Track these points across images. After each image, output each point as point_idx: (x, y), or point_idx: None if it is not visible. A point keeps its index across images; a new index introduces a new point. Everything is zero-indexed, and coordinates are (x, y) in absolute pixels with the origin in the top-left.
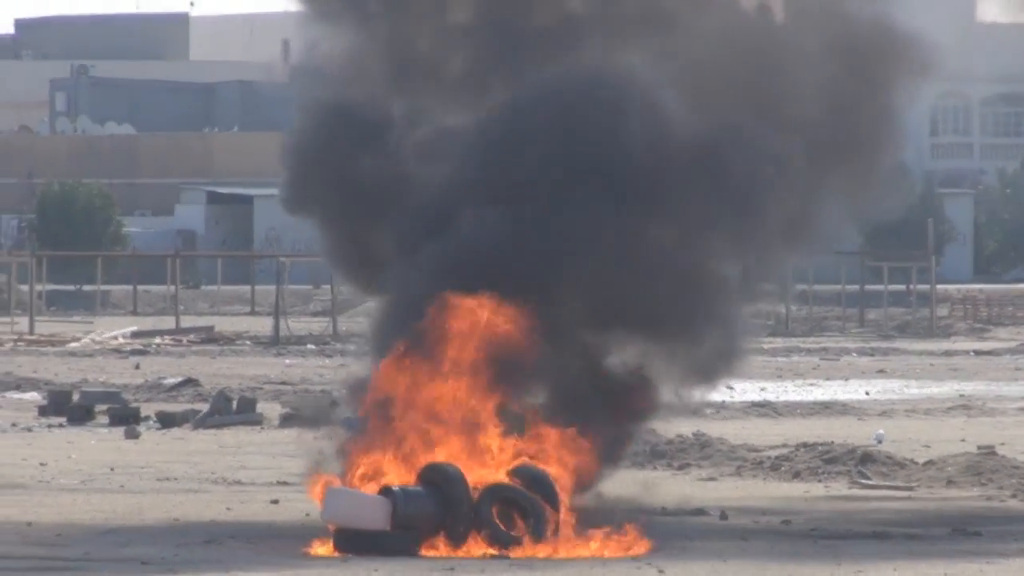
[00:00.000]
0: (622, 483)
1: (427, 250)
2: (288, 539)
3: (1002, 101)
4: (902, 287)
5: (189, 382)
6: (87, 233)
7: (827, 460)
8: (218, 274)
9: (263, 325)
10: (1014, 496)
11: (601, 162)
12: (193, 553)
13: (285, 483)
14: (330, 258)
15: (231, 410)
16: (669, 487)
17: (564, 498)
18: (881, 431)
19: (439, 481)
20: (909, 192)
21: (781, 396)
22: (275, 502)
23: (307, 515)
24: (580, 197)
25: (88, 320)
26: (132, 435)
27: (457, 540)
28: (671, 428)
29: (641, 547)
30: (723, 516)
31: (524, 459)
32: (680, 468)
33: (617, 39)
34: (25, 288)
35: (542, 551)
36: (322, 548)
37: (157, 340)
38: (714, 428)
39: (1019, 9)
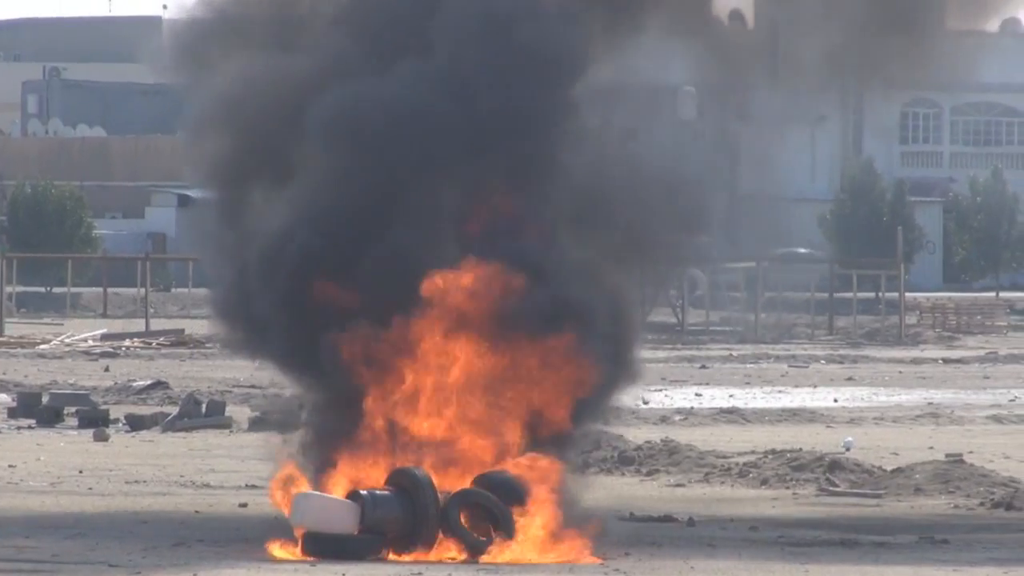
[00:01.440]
0: (589, 488)
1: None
2: (256, 542)
3: (972, 110)
4: (871, 295)
5: (158, 385)
6: (58, 235)
7: (795, 467)
8: (188, 277)
9: None
10: (981, 504)
11: None
12: (161, 556)
13: (254, 486)
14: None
15: (200, 413)
16: (637, 493)
17: (541, 500)
18: (849, 438)
19: (408, 485)
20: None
21: (749, 403)
22: (243, 505)
23: (275, 519)
24: None
25: (58, 322)
26: (101, 437)
27: (425, 544)
28: (639, 434)
29: (607, 553)
30: (690, 522)
31: (493, 465)
32: (648, 474)
33: None
34: None
35: (510, 555)
36: (290, 552)
37: (127, 343)
38: (682, 434)
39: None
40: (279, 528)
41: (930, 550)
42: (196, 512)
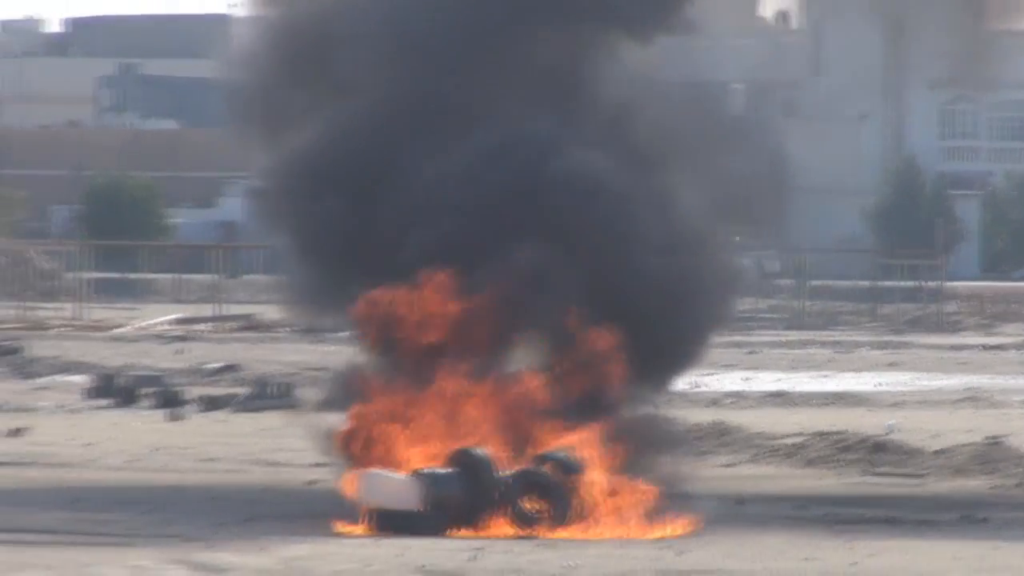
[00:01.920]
0: (646, 469)
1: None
2: (323, 518)
3: (1010, 106)
4: (913, 283)
5: (230, 367)
6: (133, 223)
7: (840, 448)
8: (258, 264)
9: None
10: (1019, 485)
11: None
12: (232, 531)
13: (321, 465)
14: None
15: (270, 394)
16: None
17: (598, 481)
18: (892, 421)
19: (469, 464)
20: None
21: (796, 387)
22: (311, 483)
23: (342, 496)
24: None
25: (133, 307)
26: (175, 417)
27: (485, 521)
28: (691, 416)
29: (663, 529)
30: (740, 501)
31: (555, 444)
32: (699, 454)
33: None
34: (73, 275)
35: (569, 532)
36: (356, 527)
37: (199, 327)
38: (732, 416)
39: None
40: (346, 505)
41: (970, 528)
42: (265, 489)
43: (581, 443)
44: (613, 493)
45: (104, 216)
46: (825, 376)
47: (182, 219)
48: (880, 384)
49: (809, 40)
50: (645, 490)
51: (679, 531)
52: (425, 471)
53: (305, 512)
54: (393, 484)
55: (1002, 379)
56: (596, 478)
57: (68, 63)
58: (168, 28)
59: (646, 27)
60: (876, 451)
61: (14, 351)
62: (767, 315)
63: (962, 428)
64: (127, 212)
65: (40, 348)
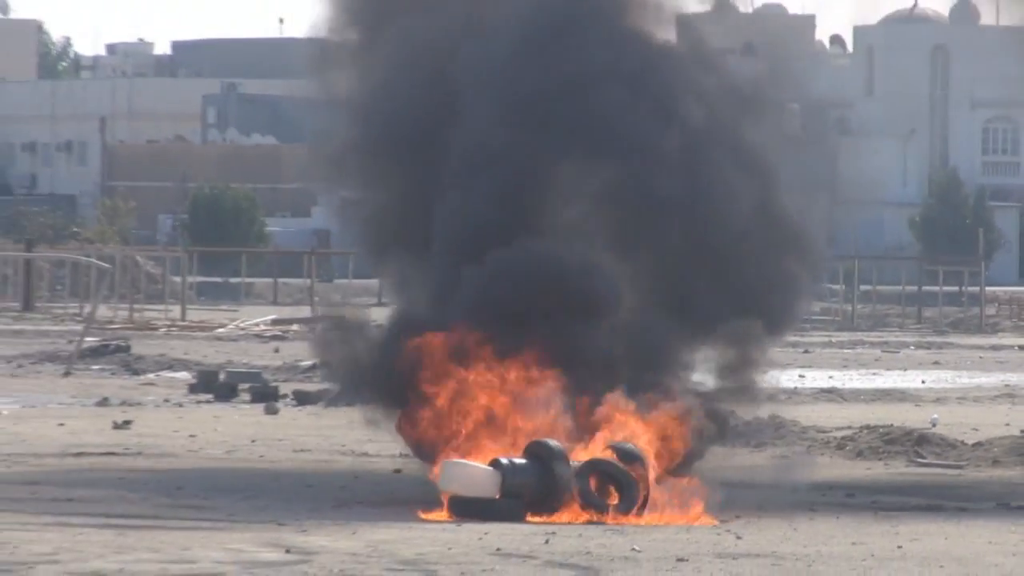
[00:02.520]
0: (706, 458)
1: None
2: (408, 504)
3: None
4: (955, 288)
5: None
6: (233, 231)
7: (887, 441)
8: (349, 269)
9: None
10: None
11: None
12: (324, 516)
13: (407, 455)
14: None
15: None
16: (746, 463)
17: (655, 473)
18: (935, 415)
19: (543, 455)
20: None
21: (846, 384)
22: (398, 471)
23: (426, 483)
24: None
25: (233, 309)
26: (271, 411)
27: (558, 508)
28: (749, 411)
29: (721, 515)
30: (794, 489)
31: (622, 436)
32: (757, 447)
33: None
34: (178, 279)
35: (635, 519)
36: (437, 514)
37: (294, 327)
38: (787, 411)
39: None
40: (430, 492)
41: (1007, 515)
42: (355, 477)
43: (644, 435)
44: (675, 483)
45: (207, 224)
46: (873, 374)
47: (279, 227)
48: (924, 381)
49: (862, 63)
50: (705, 479)
51: (737, 516)
52: (503, 461)
53: (391, 499)
54: (473, 473)
55: None
56: (657, 468)
57: (175, 83)
58: (266, 50)
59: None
60: (920, 443)
61: (123, 349)
62: (820, 317)
63: (999, 422)
64: (228, 221)
65: (147, 347)
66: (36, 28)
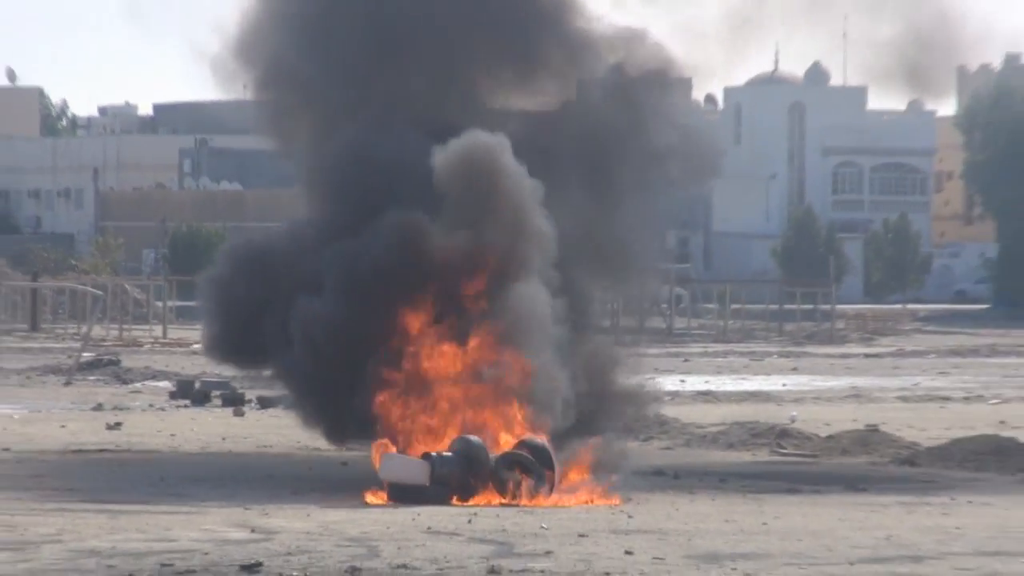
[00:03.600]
0: (602, 451)
1: None
2: (354, 491)
3: (885, 168)
4: (810, 306)
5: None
6: (206, 263)
7: (754, 435)
8: None
9: None
10: (891, 461)
11: None
12: (283, 500)
13: (353, 450)
14: None
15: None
16: (636, 454)
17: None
18: (794, 413)
19: (466, 449)
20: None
21: (720, 387)
22: (344, 464)
23: (369, 474)
24: None
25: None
26: (239, 414)
27: (478, 493)
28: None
29: (615, 498)
30: (676, 476)
31: (529, 433)
32: (645, 440)
33: None
34: (160, 304)
35: (543, 502)
36: (378, 498)
37: None
38: (670, 411)
39: (897, 99)
40: (372, 480)
41: (854, 496)
42: (310, 468)
43: (547, 433)
44: (575, 471)
45: (184, 257)
46: (742, 379)
47: None
48: (784, 384)
49: (731, 117)
50: (601, 467)
51: (629, 499)
52: (432, 454)
53: (340, 487)
54: (407, 464)
55: (878, 380)
56: (561, 459)
57: (156, 139)
58: (231, 111)
59: None
60: (781, 436)
61: (114, 363)
62: (697, 331)
63: (847, 418)
64: (201, 254)
65: (134, 360)
66: (38, 93)
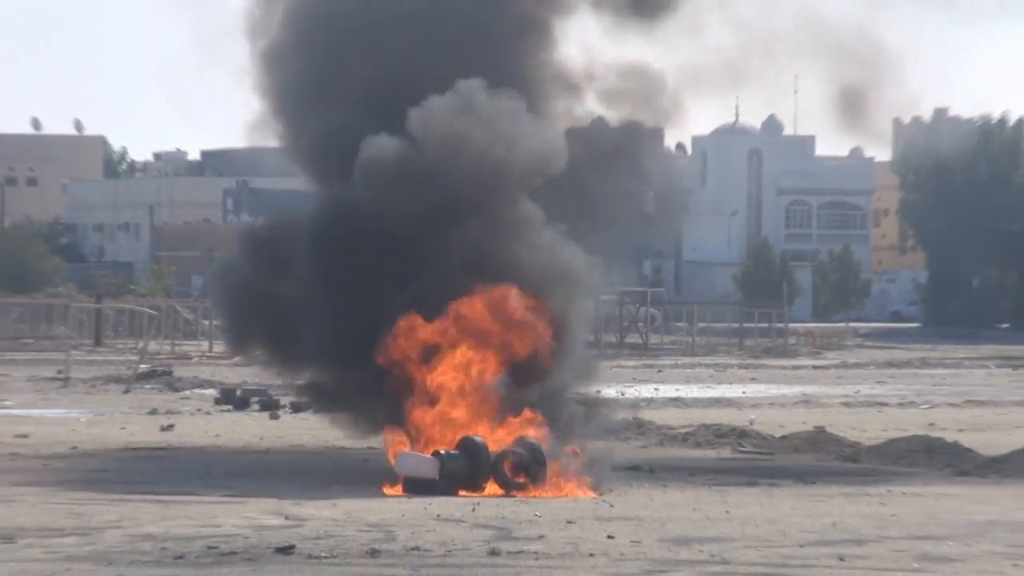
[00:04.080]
0: (587, 449)
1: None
2: (373, 484)
3: (830, 206)
4: (766, 325)
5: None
6: None
7: (718, 435)
8: None
9: None
10: (836, 459)
11: None
12: (313, 492)
13: (372, 448)
14: None
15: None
16: (616, 451)
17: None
18: (753, 416)
19: (470, 447)
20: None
21: (689, 394)
22: (365, 461)
23: (386, 469)
24: None
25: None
26: (274, 417)
27: (481, 486)
28: (617, 414)
29: (597, 490)
30: (651, 470)
31: (524, 433)
32: (624, 440)
33: None
34: (207, 322)
35: (536, 493)
36: (394, 490)
37: None
38: (646, 414)
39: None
40: (388, 475)
41: (804, 488)
42: (336, 464)
43: (540, 433)
44: (564, 467)
45: None
46: (708, 387)
47: None
48: (744, 392)
49: (698, 162)
50: (586, 464)
51: (610, 490)
52: (441, 452)
53: (361, 480)
54: (419, 461)
55: (825, 388)
56: (553, 456)
57: (203, 181)
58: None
59: None
60: (741, 437)
61: (167, 373)
62: (669, 346)
63: (799, 421)
64: None
65: (184, 371)
66: (102, 141)
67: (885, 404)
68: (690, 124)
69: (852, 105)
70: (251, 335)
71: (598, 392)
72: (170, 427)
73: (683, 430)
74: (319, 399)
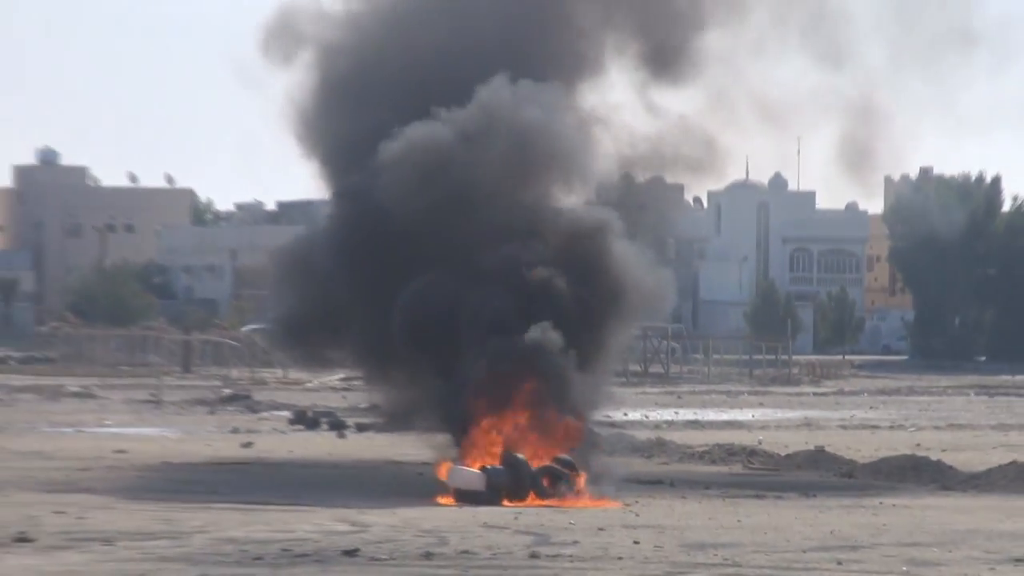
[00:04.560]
0: (616, 465)
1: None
2: (428, 495)
3: (829, 253)
4: (773, 357)
5: (374, 406)
6: None
7: (730, 453)
8: None
9: None
10: (834, 475)
11: None
12: (376, 500)
13: (426, 463)
14: None
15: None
16: (642, 468)
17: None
18: (760, 437)
19: (513, 463)
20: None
21: (705, 417)
22: (420, 474)
23: (439, 482)
24: None
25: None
26: (341, 436)
27: (522, 497)
28: (643, 434)
29: (624, 500)
30: (672, 484)
31: (560, 452)
32: (647, 457)
33: None
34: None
35: (571, 503)
36: (446, 501)
37: (355, 382)
38: (667, 435)
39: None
40: (440, 487)
41: (805, 500)
42: (395, 477)
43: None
44: (595, 480)
45: None
46: (722, 411)
47: None
48: (753, 416)
49: (713, 214)
50: (614, 477)
51: (636, 502)
52: (487, 467)
53: (416, 492)
54: (468, 474)
55: (824, 413)
56: (584, 472)
57: (279, 228)
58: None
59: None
60: (751, 455)
61: (247, 397)
62: (687, 376)
63: (801, 441)
64: None
65: (262, 395)
66: (190, 193)
67: (877, 427)
68: (709, 180)
69: (853, 162)
70: (305, 332)
71: (624, 415)
72: (249, 444)
73: (700, 449)
74: (388, 418)
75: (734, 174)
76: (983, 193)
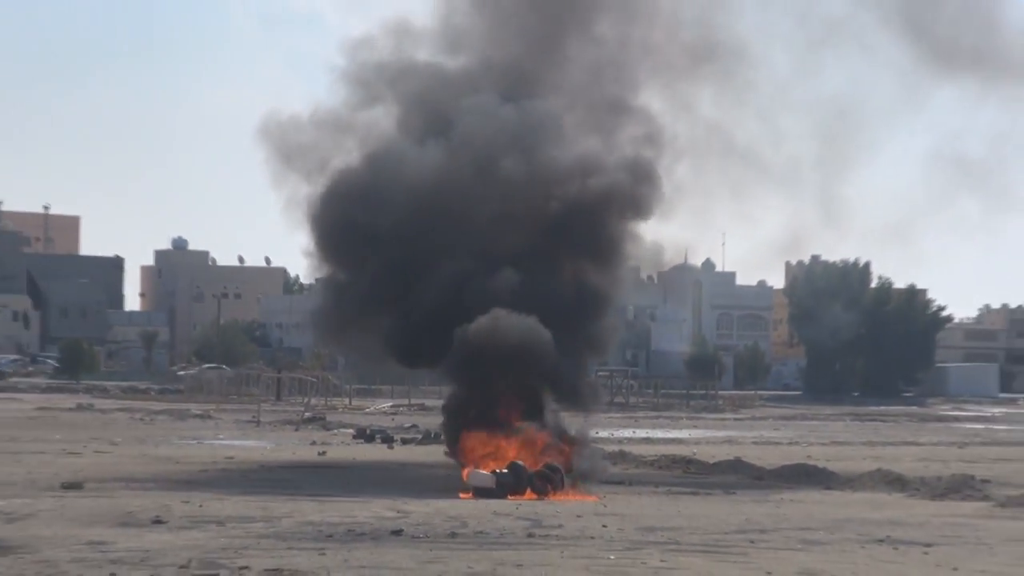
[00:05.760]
0: (597, 470)
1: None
2: (452, 491)
3: (746, 317)
4: (704, 391)
5: (415, 426)
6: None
7: (673, 461)
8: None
9: None
10: (748, 478)
11: None
12: (415, 495)
13: (451, 466)
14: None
15: (432, 437)
16: (610, 471)
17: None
18: (695, 450)
19: (515, 468)
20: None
21: (654, 435)
22: (448, 475)
23: (461, 481)
24: None
25: (373, 401)
26: (390, 447)
27: (521, 493)
28: (609, 447)
29: (597, 495)
30: (629, 483)
31: (550, 459)
32: (613, 464)
33: None
34: (348, 386)
35: (559, 498)
36: (466, 496)
37: (402, 408)
38: (627, 448)
39: (753, 278)
40: (461, 485)
41: (727, 496)
42: (428, 477)
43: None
44: (574, 480)
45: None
46: (667, 431)
47: None
48: (690, 435)
49: (660, 288)
50: (590, 478)
51: (603, 496)
52: (496, 470)
53: (444, 488)
54: (483, 476)
55: (741, 432)
56: (567, 474)
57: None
58: None
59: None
60: (688, 463)
61: (322, 419)
62: (642, 405)
63: (725, 454)
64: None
65: (333, 417)
66: (283, 271)
67: (779, 443)
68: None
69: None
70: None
71: (596, 433)
72: (324, 453)
73: (651, 458)
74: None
75: (675, 259)
76: (857, 274)
